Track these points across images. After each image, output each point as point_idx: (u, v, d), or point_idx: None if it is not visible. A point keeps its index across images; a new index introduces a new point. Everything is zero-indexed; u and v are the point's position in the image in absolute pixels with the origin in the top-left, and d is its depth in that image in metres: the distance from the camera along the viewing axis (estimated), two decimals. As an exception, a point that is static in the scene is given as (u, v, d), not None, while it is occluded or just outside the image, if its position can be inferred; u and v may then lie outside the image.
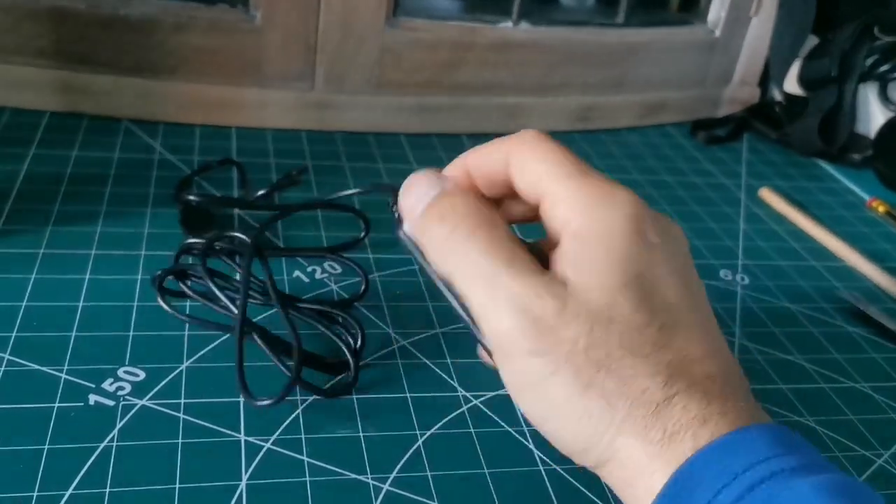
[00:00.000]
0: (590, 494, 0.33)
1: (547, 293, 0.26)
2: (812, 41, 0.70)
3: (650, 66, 0.68)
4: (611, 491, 0.33)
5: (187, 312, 0.39)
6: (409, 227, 0.30)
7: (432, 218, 0.29)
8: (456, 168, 0.31)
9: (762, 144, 0.71)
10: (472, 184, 0.31)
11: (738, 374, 0.28)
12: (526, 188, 0.29)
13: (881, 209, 0.61)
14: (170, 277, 0.39)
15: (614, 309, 0.26)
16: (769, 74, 0.73)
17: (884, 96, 0.66)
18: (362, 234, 0.46)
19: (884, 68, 0.66)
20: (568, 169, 0.28)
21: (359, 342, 0.38)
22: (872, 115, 0.66)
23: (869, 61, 0.66)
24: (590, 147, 0.65)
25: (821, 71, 0.67)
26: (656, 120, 0.71)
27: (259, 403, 0.34)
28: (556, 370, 0.26)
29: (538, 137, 0.30)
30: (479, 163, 0.31)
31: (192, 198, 0.46)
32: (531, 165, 0.29)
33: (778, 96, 0.72)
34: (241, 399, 0.35)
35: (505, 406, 0.36)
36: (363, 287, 0.42)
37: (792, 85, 0.70)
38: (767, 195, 0.61)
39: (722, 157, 0.68)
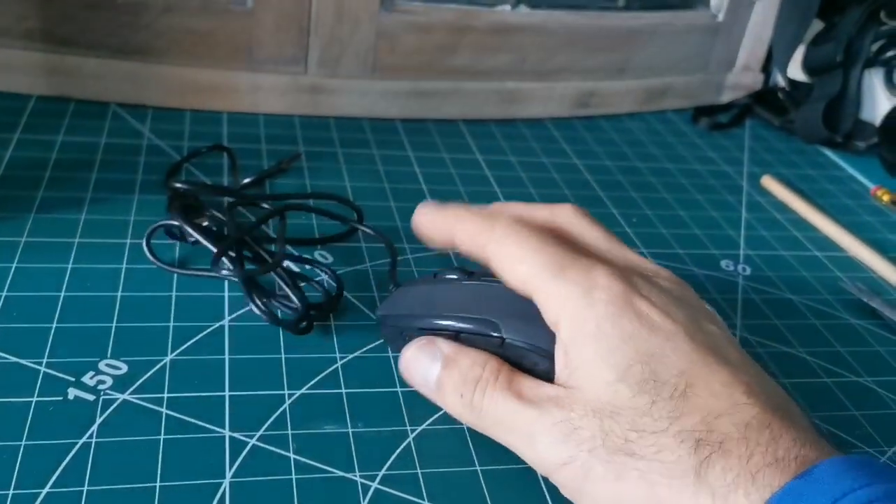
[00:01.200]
0: (585, 493, 0.32)
1: (555, 408, 0.28)
2: (817, 26, 0.69)
3: (652, 50, 0.66)
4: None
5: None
6: (426, 394, 0.33)
7: (447, 394, 0.31)
8: (442, 223, 0.34)
9: (765, 131, 0.70)
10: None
11: (785, 409, 0.28)
12: (514, 287, 0.31)
13: (886, 198, 0.60)
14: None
15: (617, 399, 0.27)
16: (773, 60, 0.71)
17: (890, 82, 0.64)
18: (354, 226, 0.45)
19: (890, 53, 0.64)
20: (545, 268, 0.30)
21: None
22: (878, 101, 0.65)
23: (875, 47, 0.65)
24: (590, 134, 0.64)
25: (825, 56, 0.66)
26: (657, 106, 0.70)
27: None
28: (587, 470, 0.27)
29: (509, 230, 0.32)
30: (461, 240, 0.33)
31: (178, 185, 0.45)
32: (511, 268, 0.31)
33: (782, 82, 0.71)
34: (227, 393, 0.34)
35: (498, 401, 0.35)
36: (336, 290, 0.40)
37: (796, 71, 0.69)
38: (770, 183, 0.59)
39: (724, 144, 0.66)
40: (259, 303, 0.37)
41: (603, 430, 0.27)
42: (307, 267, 0.42)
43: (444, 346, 0.32)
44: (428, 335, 0.33)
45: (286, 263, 0.41)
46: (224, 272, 0.38)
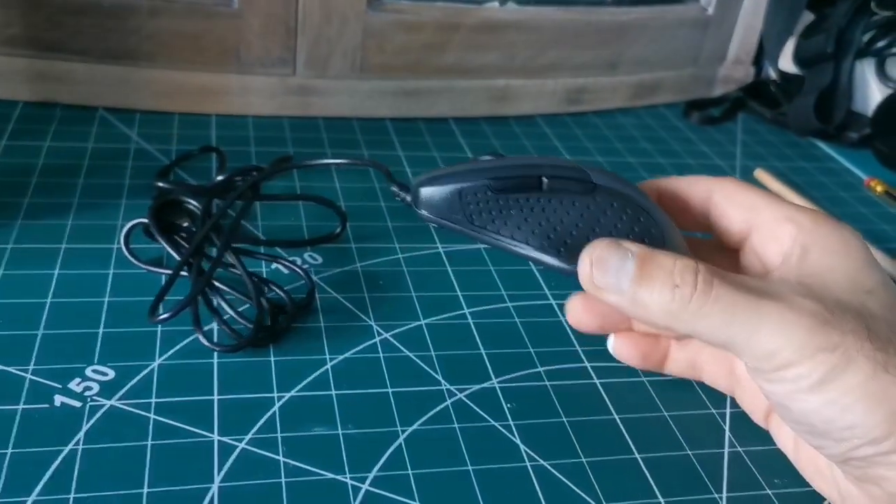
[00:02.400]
0: (577, 490, 0.31)
1: (804, 298, 0.27)
2: (807, 17, 0.68)
3: (642, 45, 0.66)
4: (600, 486, 0.31)
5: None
6: (617, 302, 0.29)
7: (650, 291, 0.28)
8: (647, 187, 0.33)
9: (758, 124, 0.69)
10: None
11: None
12: (735, 214, 0.32)
13: (879, 189, 0.60)
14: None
15: (867, 309, 0.28)
16: (764, 52, 0.71)
17: (881, 73, 0.64)
18: (338, 229, 0.44)
19: (881, 44, 0.64)
20: (779, 200, 0.31)
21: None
22: (870, 92, 0.65)
23: (866, 37, 0.64)
24: (581, 130, 0.64)
25: (817, 48, 0.65)
26: (649, 101, 0.70)
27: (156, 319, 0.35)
28: (850, 359, 0.26)
29: (740, 181, 0.33)
30: (679, 187, 0.33)
31: (160, 184, 0.45)
32: (742, 195, 0.32)
33: (773, 75, 0.71)
34: (216, 396, 0.33)
35: (490, 400, 0.35)
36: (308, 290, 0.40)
37: (787, 63, 0.69)
38: (763, 176, 0.59)
39: (717, 137, 0.66)
40: (216, 316, 0.37)
41: (866, 326, 0.27)
42: (285, 271, 0.41)
43: (632, 245, 0.29)
44: (501, 193, 0.29)
45: (277, 264, 0.41)
46: (159, 318, 0.35)
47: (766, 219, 0.31)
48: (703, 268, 0.28)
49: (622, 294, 0.29)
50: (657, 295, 0.28)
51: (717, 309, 0.27)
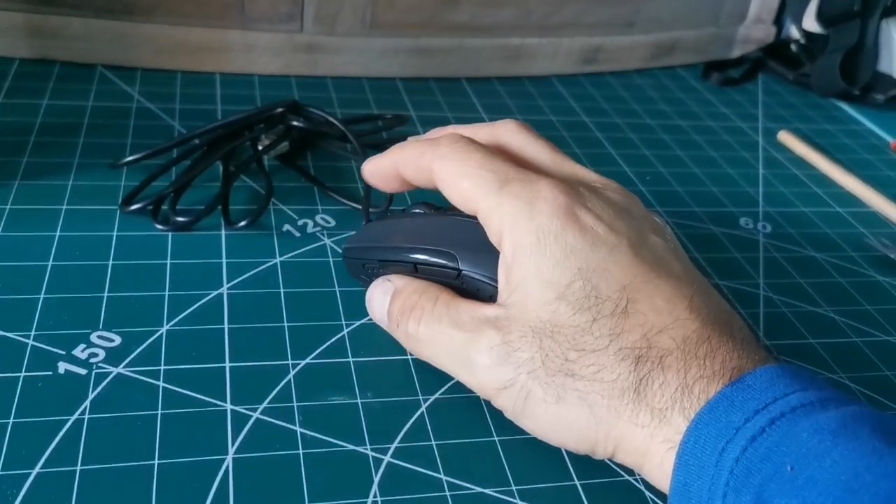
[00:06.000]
0: (609, 462, 0.30)
1: (492, 330, 0.28)
2: (832, -26, 0.66)
3: (660, 3, 0.64)
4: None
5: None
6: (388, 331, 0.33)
7: (392, 325, 0.32)
8: (385, 161, 0.33)
9: (779, 86, 0.67)
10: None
11: (727, 322, 0.27)
12: (458, 205, 0.30)
13: (906, 152, 0.58)
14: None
15: (557, 318, 0.26)
16: (786, 11, 0.69)
17: (909, 32, 0.62)
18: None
19: (909, 2, 0.62)
20: (488, 183, 0.29)
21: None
22: (897, 52, 0.63)
23: (893, -5, 0.62)
24: (597, 91, 0.62)
25: (842, 6, 0.63)
26: (667, 62, 0.67)
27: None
28: (527, 393, 0.27)
29: (454, 145, 0.30)
30: (406, 170, 0.32)
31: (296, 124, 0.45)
32: (455, 184, 0.30)
33: (795, 34, 0.68)
34: (227, 364, 0.32)
35: (515, 367, 0.34)
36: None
37: (810, 22, 0.66)
38: (787, 138, 0.57)
39: (737, 99, 0.64)
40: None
41: (542, 351, 0.27)
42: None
43: (397, 280, 0.32)
44: (388, 269, 0.33)
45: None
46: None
47: (478, 215, 0.30)
48: (421, 304, 0.30)
49: (385, 324, 0.32)
50: (395, 330, 0.32)
51: (426, 348, 0.30)
